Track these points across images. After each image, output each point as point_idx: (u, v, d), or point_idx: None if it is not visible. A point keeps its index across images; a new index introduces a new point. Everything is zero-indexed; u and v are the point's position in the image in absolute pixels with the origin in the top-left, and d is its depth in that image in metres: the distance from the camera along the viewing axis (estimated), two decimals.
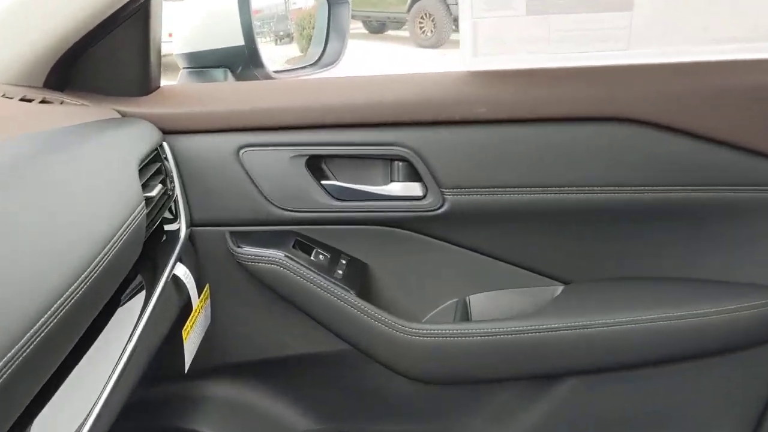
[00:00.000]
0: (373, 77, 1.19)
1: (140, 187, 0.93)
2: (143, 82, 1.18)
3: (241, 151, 1.13)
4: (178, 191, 1.15)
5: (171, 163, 1.15)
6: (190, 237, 1.19)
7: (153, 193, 1.01)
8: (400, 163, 1.14)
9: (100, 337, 0.84)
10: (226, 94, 1.23)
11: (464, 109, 1.09)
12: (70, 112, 1.07)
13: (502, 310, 1.19)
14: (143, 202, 0.92)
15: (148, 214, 0.95)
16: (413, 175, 1.13)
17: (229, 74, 1.37)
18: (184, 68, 1.38)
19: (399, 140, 1.11)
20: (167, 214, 1.14)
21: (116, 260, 0.80)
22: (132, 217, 0.87)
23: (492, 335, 1.10)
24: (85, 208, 0.78)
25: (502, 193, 1.11)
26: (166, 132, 1.13)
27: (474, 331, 1.10)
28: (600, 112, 1.08)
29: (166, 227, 1.14)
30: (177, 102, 1.19)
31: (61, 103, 1.09)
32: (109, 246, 0.78)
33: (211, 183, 1.14)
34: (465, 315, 1.19)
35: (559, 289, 1.20)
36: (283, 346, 1.25)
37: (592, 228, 1.17)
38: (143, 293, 0.97)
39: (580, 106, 1.08)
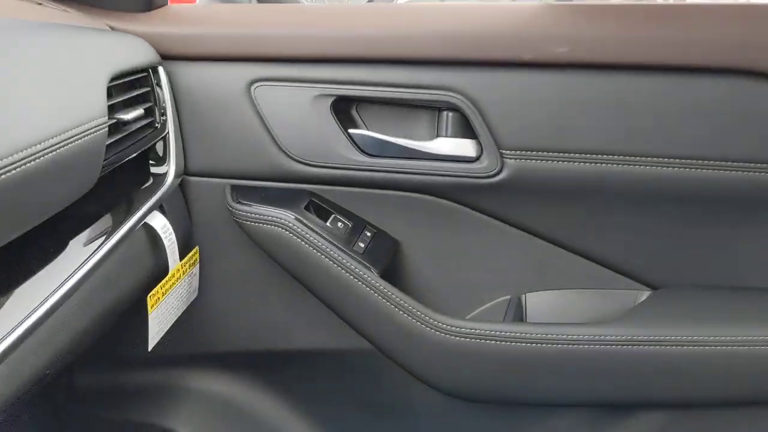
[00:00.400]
0: (423, 5, 0.98)
1: (105, 102, 0.75)
2: None
3: (254, 86, 0.95)
4: (171, 128, 0.95)
5: (165, 93, 0.94)
6: (182, 187, 1.00)
7: (127, 116, 0.81)
8: (450, 114, 0.95)
9: (30, 279, 0.67)
10: (241, 15, 1.03)
11: (538, 47, 0.89)
12: (45, 12, 0.87)
13: (568, 314, 1.00)
14: (105, 119, 0.73)
15: (118, 142, 0.81)
16: (466, 130, 0.95)
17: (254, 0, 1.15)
18: None
19: (450, 83, 0.92)
20: (160, 153, 0.95)
21: (46, 174, 0.62)
22: (83, 129, 0.68)
23: (553, 343, 0.90)
24: (18, 102, 0.60)
25: (581, 160, 0.91)
26: (167, 57, 0.96)
27: (530, 335, 0.91)
28: (720, 61, 0.87)
29: (153, 170, 0.94)
30: (181, 22, 0.99)
31: (39, 4, 0.89)
32: (34, 151, 0.59)
33: (214, 122, 0.97)
34: (519, 316, 1.01)
35: (646, 294, 0.99)
36: (286, 336, 1.07)
37: (697, 216, 0.96)
38: (100, 240, 0.77)
39: (694, 53, 0.87)
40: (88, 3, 0.98)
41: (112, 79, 0.79)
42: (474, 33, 0.91)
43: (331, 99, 0.95)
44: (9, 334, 0.60)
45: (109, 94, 0.80)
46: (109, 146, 0.77)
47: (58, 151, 0.63)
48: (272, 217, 0.93)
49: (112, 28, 0.95)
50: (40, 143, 0.60)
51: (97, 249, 0.75)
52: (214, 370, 1.13)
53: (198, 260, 1.01)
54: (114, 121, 0.79)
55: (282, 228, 0.93)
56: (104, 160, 0.76)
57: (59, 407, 1.12)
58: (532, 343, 0.90)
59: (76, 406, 1.14)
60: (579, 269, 1.00)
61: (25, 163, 0.57)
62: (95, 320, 0.77)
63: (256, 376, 1.13)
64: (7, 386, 0.62)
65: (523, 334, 0.91)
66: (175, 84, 0.97)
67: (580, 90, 0.90)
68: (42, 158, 0.60)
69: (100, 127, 0.72)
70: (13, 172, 0.55)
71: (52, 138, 0.62)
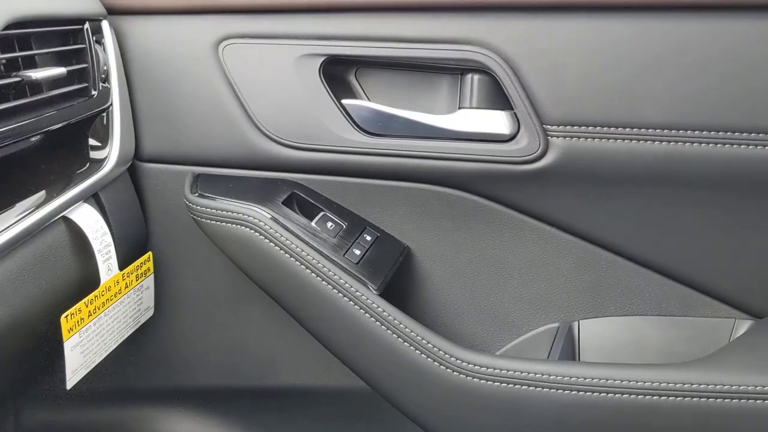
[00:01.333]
0: None
1: None
2: None
3: (223, 45, 0.82)
4: (115, 99, 0.79)
5: (110, 54, 0.80)
6: (133, 176, 0.86)
7: (37, 75, 0.65)
8: (477, 77, 0.81)
9: None
10: None
11: None
12: None
13: (638, 351, 0.85)
14: None
15: (26, 108, 0.66)
16: (497, 100, 0.81)
17: None
18: None
19: (476, 36, 0.77)
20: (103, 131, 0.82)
21: None
22: None
23: (616, 391, 0.73)
24: None
25: (655, 138, 0.74)
26: (115, 11, 0.83)
27: (584, 380, 0.74)
28: None
29: (93, 154, 0.79)
30: None
31: None
32: None
33: (173, 94, 0.83)
34: (570, 351, 0.86)
35: (745, 324, 0.83)
36: (267, 370, 0.93)
37: None
38: None
39: None
40: None
41: (18, 26, 0.65)
42: None
43: (321, 60, 0.81)
44: None
45: (26, 47, 0.67)
46: (9, 112, 0.63)
47: None
48: (239, 214, 0.77)
49: None
50: None
51: None
52: (183, 408, 1.00)
53: (152, 270, 0.84)
54: (17, 80, 0.64)
55: (251, 229, 0.77)
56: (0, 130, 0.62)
57: None
58: (587, 391, 0.73)
59: None
60: (651, 288, 0.84)
61: None
62: None
63: (231, 417, 1.01)
64: None
65: (575, 378, 0.74)
66: (125, 45, 0.83)
67: (658, 40, 0.74)
68: None
69: None
70: None
71: None
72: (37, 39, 0.69)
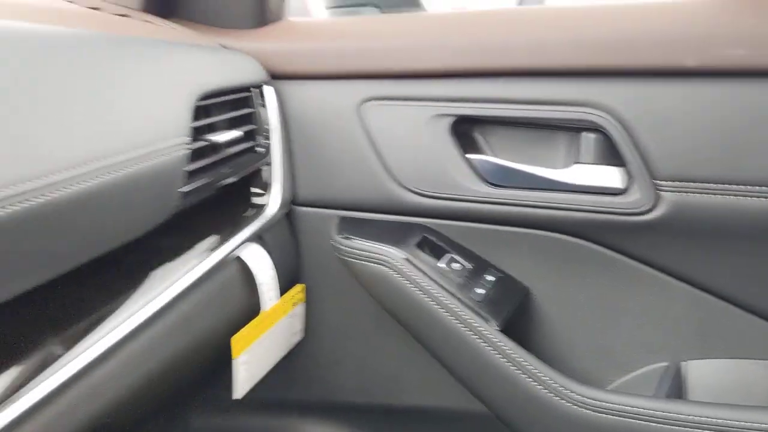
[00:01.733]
0: (557, 9, 0.86)
1: (188, 122, 0.69)
2: (258, 12, 0.95)
3: (364, 105, 0.88)
4: (275, 153, 0.88)
5: (271, 114, 0.88)
6: (290, 218, 0.93)
7: (220, 139, 0.75)
8: (592, 136, 0.82)
9: (95, 314, 0.62)
10: (356, 28, 0.96)
11: (704, 50, 0.75)
12: (149, 29, 0.83)
13: (744, 392, 0.82)
14: (184, 139, 0.67)
15: (211, 166, 0.75)
16: (611, 156, 0.81)
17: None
18: (327, 8, 1.11)
19: (593, 98, 0.79)
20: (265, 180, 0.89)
21: (111, 193, 0.57)
22: (154, 147, 0.62)
23: (723, 429, 0.72)
24: (85, 116, 0.56)
25: (762, 195, 0.74)
26: (277, 76, 0.91)
27: (691, 417, 0.74)
28: None
29: (254, 199, 0.88)
30: (293, 38, 0.94)
31: (125, 15, 0.87)
32: (96, 167, 0.54)
33: (323, 147, 0.90)
34: (677, 389, 0.84)
35: None
36: (394, 390, 0.97)
37: None
38: (179, 274, 0.71)
39: None
40: (201, 21, 0.96)
41: (207, 98, 0.74)
42: (623, 36, 0.77)
43: (451, 119, 0.85)
44: (58, 374, 0.54)
45: (207, 113, 0.76)
46: (199, 170, 0.72)
47: (125, 171, 0.57)
48: (378, 254, 0.83)
49: (224, 46, 0.91)
50: (101, 160, 0.55)
51: (172, 284, 0.69)
52: (323, 419, 1.04)
53: (304, 299, 0.93)
54: (205, 143, 0.74)
55: (388, 268, 0.83)
56: (195, 185, 0.71)
57: None
58: (694, 428, 0.73)
59: None
60: (761, 335, 0.81)
61: (84, 180, 0.52)
62: (166, 364, 0.69)
63: (362, 430, 1.02)
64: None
65: (682, 415, 0.74)
66: (284, 105, 0.91)
67: (758, 102, 0.73)
68: (107, 176, 0.55)
69: (178, 147, 0.66)
70: (72, 188, 0.51)
71: (118, 155, 0.57)
72: (215, 106, 0.77)
